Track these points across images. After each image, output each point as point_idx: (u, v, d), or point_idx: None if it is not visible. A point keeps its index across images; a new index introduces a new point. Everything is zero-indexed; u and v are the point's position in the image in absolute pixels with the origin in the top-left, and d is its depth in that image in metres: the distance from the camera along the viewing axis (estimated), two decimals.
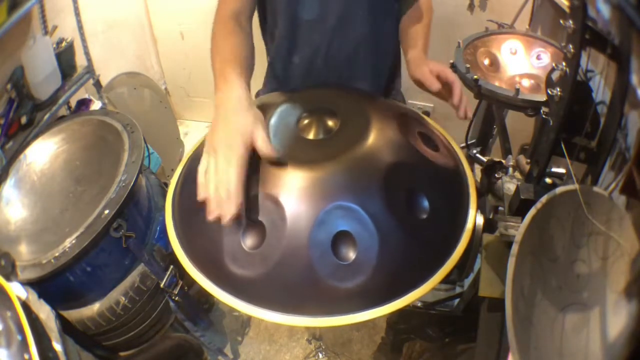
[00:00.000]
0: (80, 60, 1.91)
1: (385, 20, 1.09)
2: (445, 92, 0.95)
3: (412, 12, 1.13)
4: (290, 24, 1.06)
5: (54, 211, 1.23)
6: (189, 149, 0.97)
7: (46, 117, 1.59)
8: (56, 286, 1.15)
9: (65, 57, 1.75)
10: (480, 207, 0.79)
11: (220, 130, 0.68)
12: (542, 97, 1.14)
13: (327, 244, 0.66)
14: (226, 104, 0.72)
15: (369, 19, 1.05)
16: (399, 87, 1.29)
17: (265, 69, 1.24)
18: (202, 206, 0.76)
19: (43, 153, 1.36)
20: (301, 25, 1.05)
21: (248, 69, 0.86)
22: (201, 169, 0.67)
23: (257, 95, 1.28)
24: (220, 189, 0.63)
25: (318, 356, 1.73)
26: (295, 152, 0.76)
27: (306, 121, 0.83)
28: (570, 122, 0.82)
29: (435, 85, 0.92)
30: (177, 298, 1.32)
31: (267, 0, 1.08)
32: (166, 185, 1.60)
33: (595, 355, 0.59)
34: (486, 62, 1.49)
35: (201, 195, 0.65)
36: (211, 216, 0.63)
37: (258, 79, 1.31)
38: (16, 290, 0.96)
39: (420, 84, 0.97)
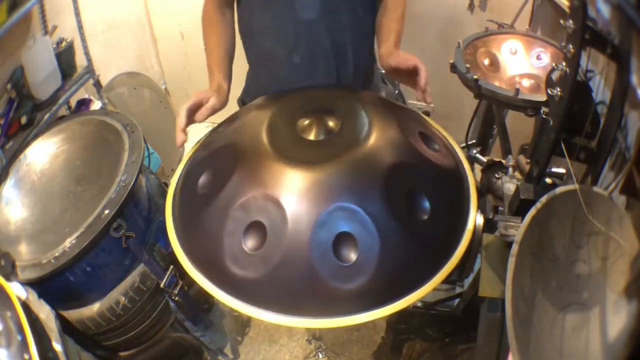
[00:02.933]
0: (80, 60, 1.90)
1: (363, 15, 1.12)
2: (412, 78, 0.98)
3: (385, 5, 1.15)
4: (265, 19, 1.08)
5: (54, 211, 1.23)
6: (189, 149, 0.98)
7: (46, 117, 1.59)
8: (56, 286, 1.15)
9: (65, 57, 1.75)
10: (480, 207, 0.79)
11: None
12: (542, 97, 1.14)
13: (328, 245, 0.66)
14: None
15: (346, 16, 1.07)
16: (378, 81, 1.31)
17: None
18: (202, 206, 0.76)
19: (43, 153, 1.36)
20: (277, 19, 1.06)
21: (227, 56, 1.15)
22: None
23: (239, 100, 1.29)
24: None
25: (318, 356, 1.73)
26: (295, 153, 0.76)
27: (306, 122, 0.83)
28: (570, 122, 0.82)
29: (411, 62, 0.95)
30: (177, 298, 1.32)
31: None
32: (166, 185, 1.60)
33: (595, 355, 0.59)
34: (486, 62, 1.49)
35: None
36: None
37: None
38: (16, 290, 0.95)
39: (394, 70, 1.02)
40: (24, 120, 1.53)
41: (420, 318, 1.36)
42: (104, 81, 2.08)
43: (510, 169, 1.03)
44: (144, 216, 1.34)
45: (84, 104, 1.82)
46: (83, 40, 1.95)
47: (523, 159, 0.98)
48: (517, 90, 1.24)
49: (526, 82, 1.42)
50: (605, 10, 0.73)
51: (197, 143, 0.95)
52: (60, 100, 1.68)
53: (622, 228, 0.63)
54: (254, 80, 1.25)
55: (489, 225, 0.83)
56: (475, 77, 1.31)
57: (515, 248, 0.65)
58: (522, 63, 1.48)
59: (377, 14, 1.16)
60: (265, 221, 0.68)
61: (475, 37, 1.53)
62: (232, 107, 1.04)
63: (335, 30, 1.07)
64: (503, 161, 1.05)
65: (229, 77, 1.12)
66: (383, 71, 1.16)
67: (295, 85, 1.10)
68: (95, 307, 1.24)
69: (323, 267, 0.65)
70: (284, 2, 1.03)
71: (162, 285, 1.28)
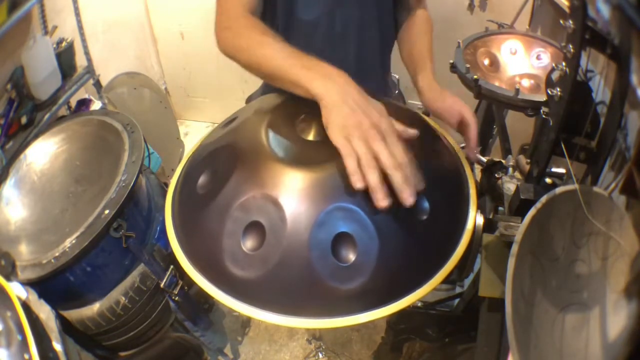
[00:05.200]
0: (80, 60, 1.90)
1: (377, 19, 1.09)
2: (460, 128, 0.94)
3: (412, 25, 1.11)
4: (287, 24, 1.05)
5: (54, 211, 1.24)
6: (189, 149, 0.97)
7: (46, 117, 1.59)
8: (56, 286, 1.15)
9: (65, 57, 1.75)
10: (480, 207, 0.79)
11: (353, 88, 0.68)
12: (542, 97, 1.14)
13: (327, 245, 0.66)
14: (333, 74, 0.71)
15: (367, 21, 1.05)
16: (392, 86, 1.29)
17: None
18: (201, 206, 0.75)
19: (43, 153, 1.36)
20: (299, 25, 1.04)
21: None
22: (343, 132, 0.62)
23: (249, 99, 1.27)
24: (398, 155, 0.60)
25: (318, 356, 1.73)
26: (295, 153, 0.76)
27: (306, 122, 0.83)
28: (570, 122, 0.81)
29: (455, 122, 0.91)
30: (177, 298, 1.32)
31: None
32: (166, 185, 1.60)
33: (595, 355, 0.59)
34: (486, 62, 1.49)
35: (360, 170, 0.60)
36: (405, 196, 0.59)
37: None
38: (16, 290, 0.95)
39: (436, 114, 0.96)
40: (24, 120, 1.53)
41: (420, 318, 1.36)
42: (104, 81, 2.08)
43: (510, 169, 1.03)
44: (144, 216, 1.34)
45: (84, 104, 1.82)
46: (83, 40, 1.95)
47: (523, 159, 0.98)
48: (517, 90, 1.24)
49: (526, 82, 1.42)
50: (605, 10, 0.73)
51: (197, 143, 0.95)
52: (60, 100, 1.68)
53: (622, 228, 0.63)
54: (263, 84, 1.24)
55: (489, 225, 0.83)
56: (475, 77, 1.31)
57: (515, 248, 0.65)
58: (522, 63, 1.48)
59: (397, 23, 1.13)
60: (265, 221, 0.68)
61: (475, 37, 1.53)
62: (234, 107, 1.03)
63: (345, 27, 1.06)
64: (503, 161, 1.05)
65: None
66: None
67: None
68: (96, 307, 1.24)
69: (322, 267, 0.65)
70: (286, 3, 1.03)
71: (162, 285, 1.28)
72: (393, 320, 1.48)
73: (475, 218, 0.76)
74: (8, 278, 1.00)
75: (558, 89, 0.81)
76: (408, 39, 1.10)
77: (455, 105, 0.90)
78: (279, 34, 0.95)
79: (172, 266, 1.31)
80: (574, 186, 0.68)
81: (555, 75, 0.87)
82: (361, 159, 0.61)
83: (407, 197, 0.60)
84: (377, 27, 1.06)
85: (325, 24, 1.03)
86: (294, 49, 0.77)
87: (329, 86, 0.68)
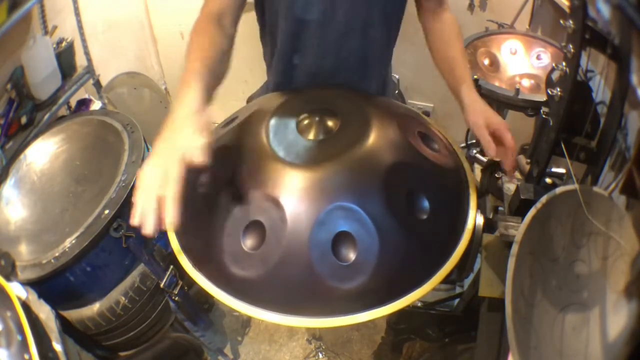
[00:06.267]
0: (80, 60, 1.90)
1: (385, 23, 1.08)
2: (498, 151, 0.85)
3: (443, 29, 1.07)
4: (292, 25, 1.05)
5: (54, 211, 1.24)
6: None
7: (46, 117, 1.59)
8: (56, 286, 1.15)
9: (65, 57, 1.75)
10: (480, 207, 0.79)
11: (167, 139, 0.68)
12: (542, 97, 1.14)
13: (328, 244, 0.66)
14: (178, 110, 0.71)
15: (374, 22, 1.05)
16: (392, 87, 1.28)
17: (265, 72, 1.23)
18: (201, 206, 0.75)
19: (43, 153, 1.36)
20: (305, 25, 1.04)
21: (213, 70, 0.82)
22: (144, 173, 0.66)
23: (250, 99, 1.27)
24: (151, 200, 0.63)
25: (318, 356, 1.73)
26: (295, 153, 0.76)
27: (306, 122, 0.83)
28: (570, 122, 0.82)
29: (492, 151, 0.82)
30: (177, 298, 1.32)
31: (265, 0, 1.08)
32: None
33: (595, 355, 0.59)
34: (486, 62, 1.49)
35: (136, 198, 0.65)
36: (133, 220, 0.63)
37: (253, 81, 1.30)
38: (16, 290, 0.95)
39: (474, 129, 0.88)
40: (24, 120, 1.52)
41: (420, 318, 1.36)
42: (104, 81, 2.08)
43: None
44: None
45: (84, 104, 1.82)
46: (83, 40, 1.95)
47: (523, 159, 0.98)
48: (517, 90, 1.24)
49: (526, 82, 1.42)
50: (605, 10, 0.73)
51: None
52: (60, 100, 1.68)
53: (622, 228, 0.63)
54: (265, 85, 1.24)
55: (489, 225, 0.83)
56: (475, 77, 1.31)
57: (515, 248, 0.65)
58: (522, 63, 1.48)
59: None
60: (265, 221, 0.68)
61: (475, 37, 1.53)
62: (234, 107, 1.03)
63: (341, 30, 1.05)
64: None
65: (210, 91, 0.79)
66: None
67: (299, 86, 1.09)
68: (95, 307, 1.24)
69: (322, 266, 0.65)
70: (288, 2, 1.03)
71: (162, 285, 1.28)
72: (393, 320, 1.48)
73: (475, 218, 0.76)
74: (8, 278, 1.00)
75: (558, 89, 0.81)
76: (441, 44, 1.06)
77: (495, 124, 0.83)
78: (277, 33, 1.04)
79: (172, 266, 1.31)
80: (574, 186, 0.68)
81: (555, 75, 0.87)
82: None
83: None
84: (383, 25, 1.05)
85: (328, 22, 1.02)
86: (195, 60, 0.81)
87: (164, 132, 0.70)
